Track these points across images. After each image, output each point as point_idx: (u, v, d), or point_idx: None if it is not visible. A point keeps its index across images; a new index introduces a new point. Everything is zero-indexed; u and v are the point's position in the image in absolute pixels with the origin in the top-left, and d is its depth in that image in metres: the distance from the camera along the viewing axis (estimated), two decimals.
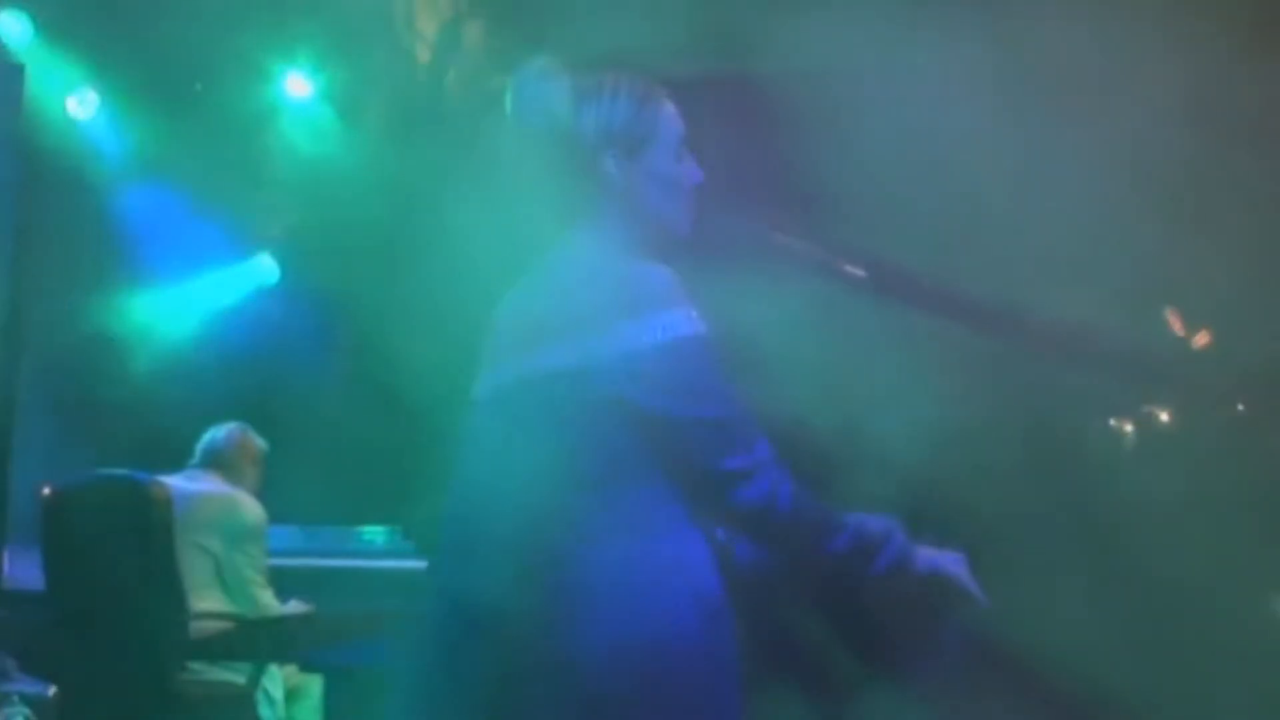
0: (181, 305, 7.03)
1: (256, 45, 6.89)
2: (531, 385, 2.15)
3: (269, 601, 4.85)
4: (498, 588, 2.08)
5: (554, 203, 2.25)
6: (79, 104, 6.58)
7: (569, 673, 2.01)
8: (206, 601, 4.70)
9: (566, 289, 2.16)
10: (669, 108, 2.28)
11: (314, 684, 5.11)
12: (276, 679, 4.91)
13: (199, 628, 4.63)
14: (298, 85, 7.05)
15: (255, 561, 4.87)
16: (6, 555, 5.38)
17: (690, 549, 2.12)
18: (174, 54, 6.61)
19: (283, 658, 4.93)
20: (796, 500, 2.13)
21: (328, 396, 7.05)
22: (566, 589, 2.04)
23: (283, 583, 5.09)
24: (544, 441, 2.11)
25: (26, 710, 4.50)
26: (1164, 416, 7.35)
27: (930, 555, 2.26)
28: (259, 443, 5.18)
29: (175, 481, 4.84)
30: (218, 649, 4.68)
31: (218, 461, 5.07)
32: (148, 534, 4.59)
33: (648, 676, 2.02)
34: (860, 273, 2.49)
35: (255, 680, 4.74)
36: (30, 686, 4.71)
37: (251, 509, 4.93)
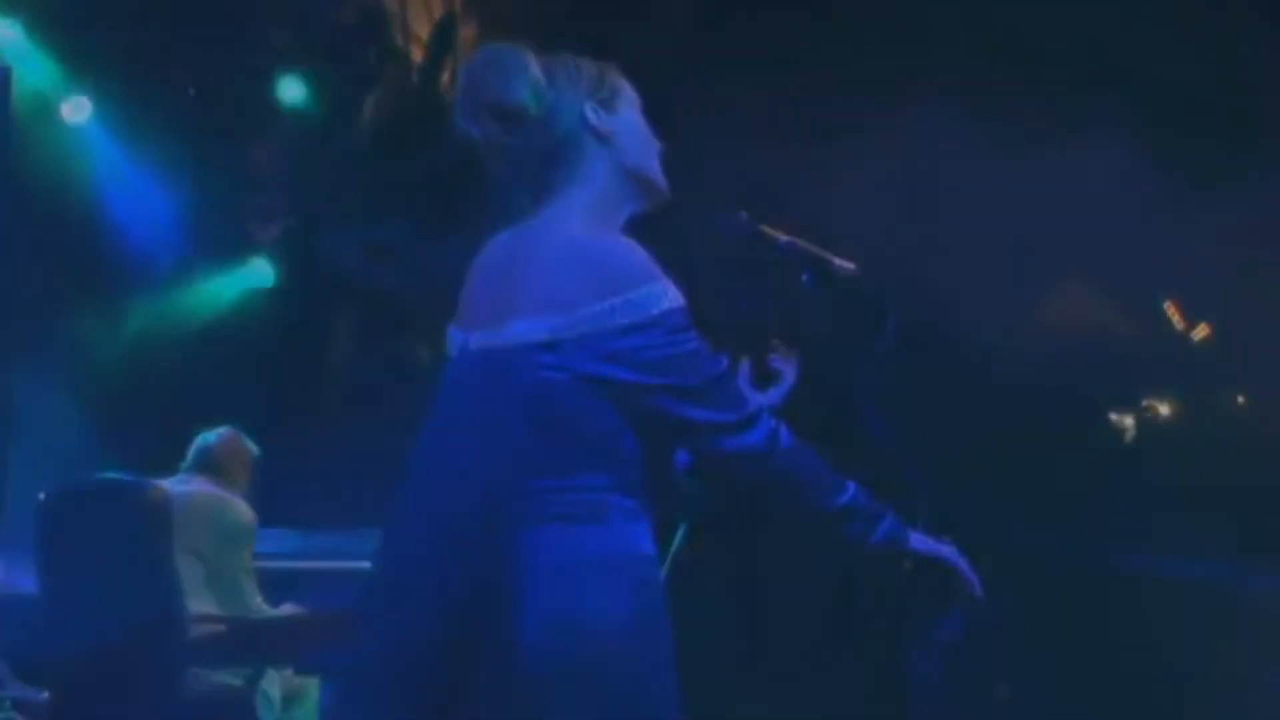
0: (176, 309, 7.03)
1: (250, 50, 6.91)
2: (499, 354, 2.16)
3: (259, 604, 4.84)
4: (445, 561, 2.10)
5: (542, 168, 2.26)
6: (72, 109, 6.58)
7: (508, 649, 2.04)
8: (198, 604, 4.68)
9: (548, 260, 2.17)
10: (621, 77, 2.34)
11: (312, 687, 5.10)
12: (275, 682, 4.91)
13: (194, 631, 4.61)
14: (291, 89, 7.06)
15: (245, 564, 4.86)
16: (2, 559, 5.37)
17: (635, 540, 2.15)
18: (168, 59, 6.62)
19: (281, 660, 4.92)
20: (799, 444, 2.18)
21: (325, 398, 7.05)
22: (509, 568, 2.06)
23: (281, 585, 5.07)
24: (503, 415, 2.13)
25: (18, 716, 4.50)
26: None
27: (925, 539, 2.28)
28: (250, 447, 5.17)
29: (167, 485, 4.82)
30: (216, 652, 4.67)
31: (209, 465, 5.06)
32: (145, 538, 4.57)
33: (581, 660, 2.05)
34: (850, 266, 2.49)
35: (254, 683, 4.74)
36: (22, 692, 4.70)
37: (242, 511, 4.93)
